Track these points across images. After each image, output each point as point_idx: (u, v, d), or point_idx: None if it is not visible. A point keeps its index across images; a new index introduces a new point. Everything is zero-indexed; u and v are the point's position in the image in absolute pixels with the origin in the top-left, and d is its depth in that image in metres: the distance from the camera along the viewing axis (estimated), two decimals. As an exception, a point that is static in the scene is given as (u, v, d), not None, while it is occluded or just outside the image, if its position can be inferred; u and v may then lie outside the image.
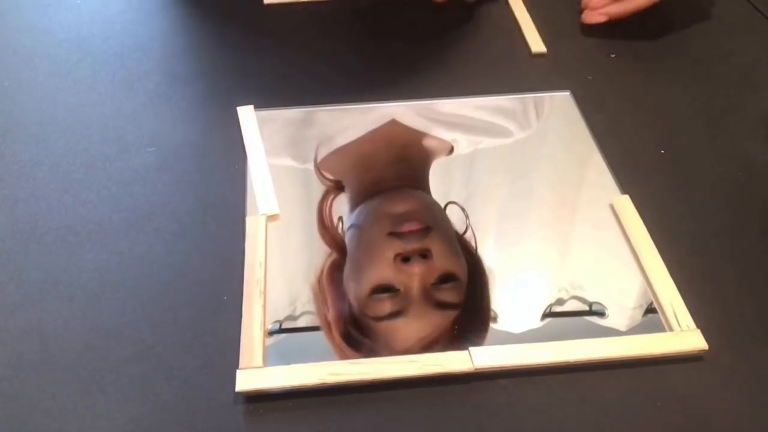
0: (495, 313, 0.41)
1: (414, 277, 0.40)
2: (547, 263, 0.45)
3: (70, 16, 0.62)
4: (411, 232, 0.43)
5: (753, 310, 0.40)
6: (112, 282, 0.41)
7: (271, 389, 0.36)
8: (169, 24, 0.62)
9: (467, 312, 0.40)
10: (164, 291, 0.41)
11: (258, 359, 0.37)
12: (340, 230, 0.45)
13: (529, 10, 0.62)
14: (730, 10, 0.61)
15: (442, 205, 0.46)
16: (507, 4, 0.63)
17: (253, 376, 0.36)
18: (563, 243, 0.46)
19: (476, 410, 0.36)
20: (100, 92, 0.54)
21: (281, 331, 0.40)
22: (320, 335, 0.40)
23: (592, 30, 0.60)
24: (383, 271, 0.41)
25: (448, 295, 0.40)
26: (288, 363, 0.37)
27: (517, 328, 0.41)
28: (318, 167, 0.48)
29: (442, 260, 0.41)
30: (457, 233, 0.44)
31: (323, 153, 0.50)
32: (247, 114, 0.52)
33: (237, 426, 0.35)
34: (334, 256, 0.43)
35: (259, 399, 0.36)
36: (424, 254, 0.41)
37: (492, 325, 0.41)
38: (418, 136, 0.51)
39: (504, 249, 0.46)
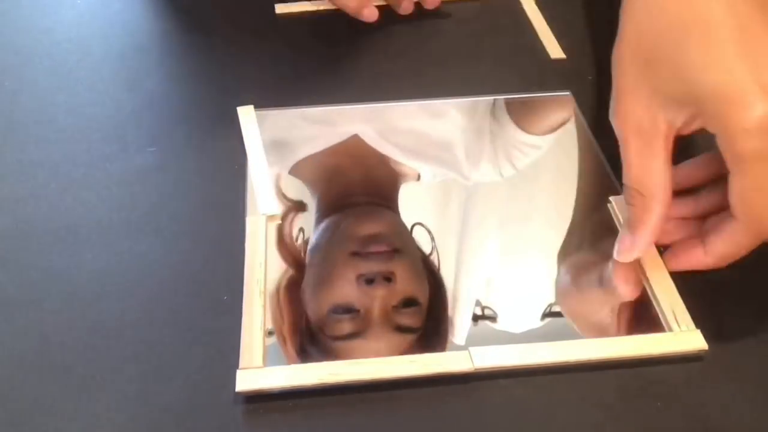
0: (495, 312, 0.41)
1: (376, 299, 0.40)
2: (547, 263, 0.45)
3: (70, 16, 0.62)
4: (376, 254, 0.42)
5: (753, 311, 0.40)
6: (112, 282, 0.41)
7: (271, 389, 0.36)
8: (169, 24, 0.62)
9: (426, 336, 0.40)
10: (164, 291, 0.41)
11: (258, 359, 0.37)
12: (299, 242, 0.44)
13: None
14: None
15: (409, 226, 0.45)
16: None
17: (253, 376, 0.36)
18: (563, 243, 0.46)
19: (476, 410, 0.36)
20: (100, 92, 0.54)
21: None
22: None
23: (592, 31, 0.60)
24: (344, 290, 0.41)
25: (408, 319, 0.40)
26: (288, 363, 0.37)
27: (517, 328, 0.41)
28: (281, 188, 0.47)
29: (406, 284, 0.41)
30: (422, 255, 0.44)
31: (292, 160, 0.49)
32: (247, 114, 0.52)
33: (237, 426, 0.35)
34: (291, 272, 0.43)
35: (259, 399, 0.36)
36: (388, 277, 0.41)
37: (492, 325, 0.41)
38: (385, 158, 0.50)
39: (504, 249, 0.46)
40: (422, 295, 0.41)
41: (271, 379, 0.36)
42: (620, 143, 0.39)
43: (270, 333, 0.39)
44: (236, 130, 0.50)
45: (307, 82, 0.55)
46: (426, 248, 0.44)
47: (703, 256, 0.38)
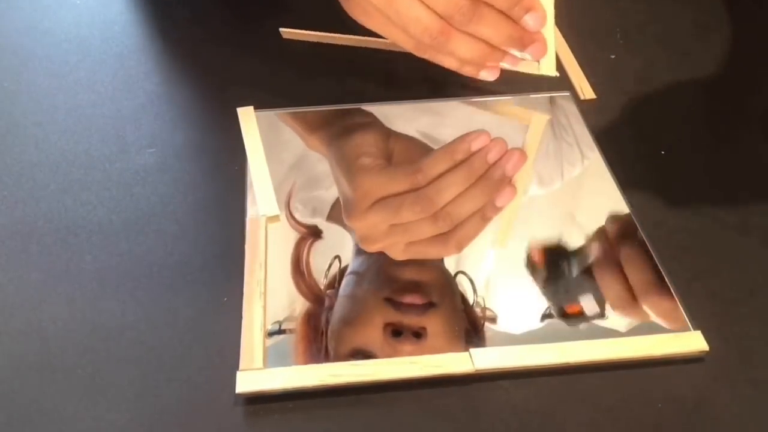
0: (495, 314, 0.41)
1: (400, 354, 0.37)
2: (547, 263, 0.45)
3: (70, 17, 0.62)
4: (410, 306, 0.39)
5: (754, 312, 0.40)
6: (112, 283, 0.41)
7: (271, 391, 0.36)
8: (168, 25, 0.62)
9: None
10: (164, 292, 0.41)
11: (258, 360, 0.37)
12: (333, 271, 0.41)
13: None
14: (732, 8, 0.61)
15: (453, 273, 0.42)
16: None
17: (254, 377, 0.36)
18: (563, 243, 0.46)
19: (477, 411, 0.36)
20: (99, 93, 0.54)
21: (281, 332, 0.40)
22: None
23: (591, 31, 0.60)
24: (369, 337, 0.38)
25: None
26: (288, 364, 0.37)
27: (517, 330, 0.41)
28: (291, 212, 0.44)
29: (437, 342, 0.38)
30: (465, 305, 0.41)
31: (330, 202, 0.45)
32: (247, 115, 0.52)
33: (237, 427, 0.35)
34: (309, 305, 0.40)
35: (259, 400, 0.36)
36: (418, 333, 0.38)
37: (492, 326, 0.41)
38: None
39: (503, 249, 0.46)
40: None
41: (272, 380, 0.36)
42: None
43: (270, 333, 0.39)
44: (236, 131, 0.50)
45: (307, 82, 0.55)
46: (469, 298, 0.41)
47: None
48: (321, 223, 0.45)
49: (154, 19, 0.63)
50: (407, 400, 0.36)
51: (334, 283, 0.41)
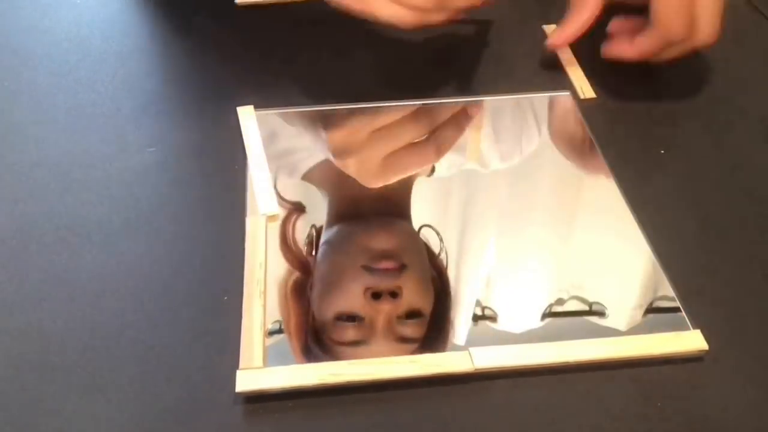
0: (495, 313, 0.41)
1: (380, 312, 0.40)
2: (547, 263, 0.45)
3: (70, 16, 0.62)
4: (385, 270, 0.43)
5: (753, 311, 0.40)
6: (112, 282, 0.41)
7: (271, 390, 0.36)
8: (168, 24, 0.62)
9: (427, 342, 0.40)
10: (164, 291, 0.41)
11: (258, 360, 0.37)
12: (307, 239, 0.45)
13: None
14: (731, 10, 0.60)
15: (417, 228, 0.46)
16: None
17: (253, 376, 0.36)
18: (563, 243, 0.46)
19: (476, 410, 0.36)
20: (100, 92, 0.54)
21: (281, 331, 0.40)
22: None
23: (591, 32, 0.60)
24: (351, 301, 0.41)
25: (411, 330, 0.40)
26: (288, 363, 0.37)
27: (517, 328, 0.41)
28: (278, 190, 0.47)
29: (411, 298, 0.41)
30: (430, 256, 0.44)
31: (307, 165, 0.49)
32: (247, 114, 0.52)
33: (237, 426, 0.35)
34: (297, 274, 0.43)
35: (259, 399, 0.36)
36: (395, 293, 0.41)
37: (492, 326, 0.41)
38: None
39: (503, 249, 0.46)
40: (426, 307, 0.42)
41: (271, 379, 0.36)
42: None
43: (270, 333, 0.39)
44: (236, 131, 0.50)
45: (307, 82, 0.55)
46: (435, 249, 0.45)
47: (628, 47, 0.53)
48: (297, 183, 0.48)
49: (154, 19, 0.63)
50: (407, 399, 0.36)
51: (312, 251, 0.44)
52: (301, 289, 0.42)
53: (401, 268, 0.43)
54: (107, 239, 0.43)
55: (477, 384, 0.37)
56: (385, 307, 0.40)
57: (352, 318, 0.40)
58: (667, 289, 0.41)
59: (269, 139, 0.50)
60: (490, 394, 0.36)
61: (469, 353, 0.37)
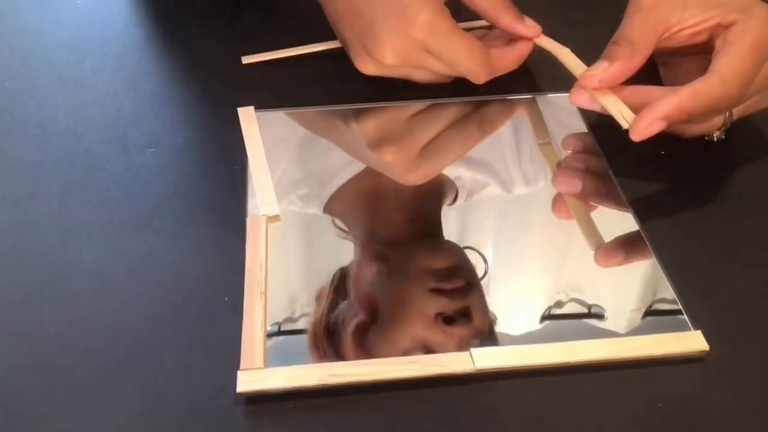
0: (494, 315, 0.41)
1: (455, 338, 0.38)
2: (546, 265, 0.45)
3: (70, 17, 0.62)
4: (454, 290, 0.40)
5: (754, 311, 0.40)
6: (112, 283, 0.41)
7: (272, 390, 0.36)
8: (169, 25, 0.62)
9: None
10: (165, 292, 0.41)
11: (259, 360, 0.37)
12: (329, 288, 0.42)
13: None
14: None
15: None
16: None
17: (254, 377, 0.36)
18: (562, 245, 0.46)
19: (477, 411, 0.36)
20: (100, 93, 0.54)
21: (280, 333, 0.40)
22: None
23: (590, 33, 0.60)
24: (423, 331, 0.38)
25: None
26: (289, 364, 0.37)
27: (516, 331, 0.41)
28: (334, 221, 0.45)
29: (481, 318, 0.40)
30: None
31: (326, 194, 0.47)
32: (247, 115, 0.52)
33: (238, 427, 0.35)
34: (362, 317, 0.40)
35: (260, 400, 0.36)
36: (466, 313, 0.39)
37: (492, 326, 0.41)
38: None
39: (502, 251, 0.46)
40: (491, 328, 0.40)
41: (272, 380, 0.36)
42: (628, 14, 0.46)
43: (269, 335, 0.39)
44: (236, 131, 0.50)
45: (308, 82, 0.55)
46: (479, 272, 0.43)
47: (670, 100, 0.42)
48: (317, 214, 0.46)
49: (154, 19, 0.63)
50: (407, 400, 0.36)
51: (336, 295, 0.41)
52: (364, 336, 0.39)
53: (468, 286, 0.41)
54: (108, 240, 0.43)
55: (477, 384, 0.37)
56: (460, 332, 0.38)
57: (427, 350, 0.38)
58: (666, 292, 0.41)
59: (279, 149, 0.49)
60: (490, 395, 0.36)
61: (470, 353, 0.37)
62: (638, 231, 0.44)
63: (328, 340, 0.39)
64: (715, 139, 0.50)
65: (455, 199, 0.47)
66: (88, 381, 0.37)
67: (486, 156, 0.50)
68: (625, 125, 0.43)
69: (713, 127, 0.49)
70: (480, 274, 0.43)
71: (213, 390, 0.36)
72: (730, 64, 0.42)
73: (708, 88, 0.42)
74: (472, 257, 0.43)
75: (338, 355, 0.38)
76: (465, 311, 0.39)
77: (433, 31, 0.48)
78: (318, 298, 0.41)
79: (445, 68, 0.51)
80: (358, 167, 0.49)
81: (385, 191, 0.48)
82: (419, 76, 0.52)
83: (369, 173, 0.49)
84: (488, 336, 0.39)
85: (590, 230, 0.45)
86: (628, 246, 0.44)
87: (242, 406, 0.36)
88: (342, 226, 0.46)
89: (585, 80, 0.45)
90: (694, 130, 0.49)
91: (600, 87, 0.45)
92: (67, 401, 0.36)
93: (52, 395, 0.36)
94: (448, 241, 0.45)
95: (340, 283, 0.42)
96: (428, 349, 0.38)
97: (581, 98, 0.46)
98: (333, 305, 0.41)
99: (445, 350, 0.38)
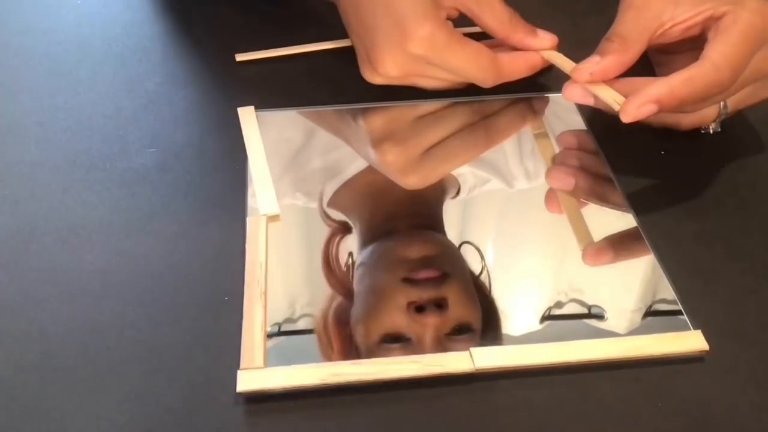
0: (495, 308, 0.41)
1: (427, 327, 0.39)
2: (546, 265, 0.45)
3: (70, 17, 0.62)
4: (427, 279, 0.41)
5: (754, 311, 0.40)
6: (112, 282, 0.41)
7: (272, 390, 0.36)
8: (169, 25, 0.62)
9: None
10: (165, 291, 0.41)
11: (259, 360, 0.37)
12: (345, 266, 0.43)
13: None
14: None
15: (456, 245, 0.44)
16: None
17: (254, 376, 0.36)
18: (562, 245, 0.46)
19: (477, 410, 0.36)
20: (100, 93, 0.54)
21: (280, 333, 0.40)
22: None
23: (590, 33, 0.60)
24: (395, 319, 0.39)
25: (461, 346, 0.38)
26: (289, 364, 0.37)
27: (516, 331, 0.41)
28: (324, 208, 0.46)
29: (458, 310, 0.40)
30: (472, 276, 0.43)
31: (330, 190, 0.47)
32: (247, 115, 0.52)
33: (238, 426, 0.35)
34: (340, 299, 0.41)
35: (260, 399, 0.36)
36: (440, 304, 0.39)
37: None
38: None
39: (502, 251, 0.46)
40: (475, 321, 0.40)
41: (272, 379, 0.36)
42: (621, 11, 0.46)
43: (269, 335, 0.39)
44: (236, 131, 0.50)
45: (309, 82, 0.55)
46: (476, 268, 0.43)
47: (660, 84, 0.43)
48: (318, 214, 0.46)
49: (154, 19, 0.63)
50: (407, 399, 0.36)
51: (351, 277, 0.43)
52: (344, 314, 0.40)
53: (443, 276, 0.41)
54: (108, 239, 0.43)
55: (478, 384, 0.37)
56: (431, 321, 0.39)
57: (397, 339, 0.38)
58: (666, 292, 0.41)
59: (279, 149, 0.49)
60: (490, 395, 0.36)
61: (470, 353, 0.37)
62: (633, 228, 0.44)
63: (326, 330, 0.40)
64: (711, 131, 0.50)
65: (457, 193, 0.48)
66: (88, 381, 0.37)
67: (488, 152, 0.50)
68: (616, 107, 0.44)
69: (708, 118, 0.48)
70: (477, 270, 0.43)
71: (213, 390, 0.36)
72: (722, 50, 0.43)
73: (700, 73, 0.42)
74: (470, 253, 0.44)
75: (330, 345, 0.39)
76: (439, 301, 0.40)
77: (432, 44, 0.48)
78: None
79: (451, 76, 0.51)
80: (359, 165, 0.49)
81: (387, 187, 0.48)
82: (427, 84, 0.52)
83: (371, 170, 0.49)
84: (483, 330, 0.40)
85: (580, 228, 0.45)
86: (617, 244, 0.44)
87: (242, 405, 0.36)
88: (336, 218, 0.46)
89: (577, 73, 0.46)
90: (689, 120, 0.48)
91: (591, 80, 0.45)
92: (67, 401, 0.36)
93: (51, 395, 0.36)
94: (431, 233, 0.46)
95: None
96: (404, 338, 0.39)
97: (574, 92, 0.46)
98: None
99: (420, 340, 0.38)
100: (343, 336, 0.39)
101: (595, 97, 0.46)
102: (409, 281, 0.41)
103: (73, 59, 0.57)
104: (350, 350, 0.39)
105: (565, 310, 0.42)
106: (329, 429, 0.35)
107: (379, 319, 0.40)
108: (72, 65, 0.57)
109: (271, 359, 0.37)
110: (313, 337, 0.40)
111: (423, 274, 0.41)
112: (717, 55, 0.43)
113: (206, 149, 0.50)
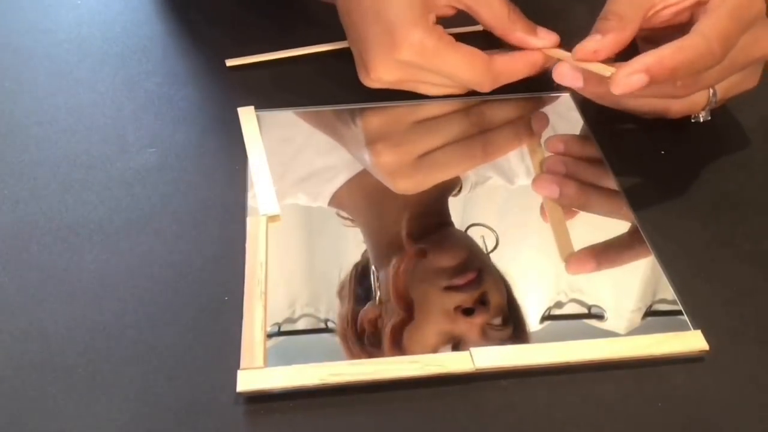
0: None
1: (475, 326, 0.40)
2: (546, 265, 0.45)
3: (70, 17, 0.62)
4: (469, 283, 0.42)
5: (754, 311, 0.40)
6: (112, 282, 0.41)
7: (272, 390, 0.36)
8: (169, 25, 0.62)
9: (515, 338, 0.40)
10: (165, 291, 0.41)
11: (259, 360, 0.37)
12: (349, 284, 0.43)
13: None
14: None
15: (463, 229, 0.45)
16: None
17: (254, 376, 0.36)
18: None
19: (477, 411, 0.36)
20: (100, 93, 0.54)
21: (280, 333, 0.40)
22: (321, 337, 0.40)
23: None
24: (446, 326, 0.40)
25: (502, 334, 0.40)
26: (289, 364, 0.37)
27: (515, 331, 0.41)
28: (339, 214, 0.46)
29: (496, 297, 0.41)
30: (491, 259, 0.44)
31: (332, 188, 0.47)
32: (247, 114, 0.52)
33: (238, 426, 0.35)
34: (402, 315, 0.40)
35: (260, 399, 0.36)
36: (484, 301, 0.41)
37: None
38: None
39: (502, 251, 0.46)
40: (505, 302, 0.41)
41: (272, 379, 0.36)
42: None
43: (269, 335, 0.39)
44: (236, 131, 0.50)
45: (309, 82, 0.55)
46: (488, 244, 0.44)
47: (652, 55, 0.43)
48: (318, 213, 0.46)
49: (154, 19, 0.63)
50: (408, 399, 0.36)
51: (353, 292, 0.42)
52: (400, 333, 0.40)
53: (480, 274, 0.42)
54: (108, 239, 0.43)
55: (477, 384, 0.37)
56: (480, 320, 0.40)
57: (456, 344, 0.39)
58: (666, 292, 0.41)
59: (279, 149, 0.49)
60: (490, 395, 0.36)
61: (470, 353, 0.37)
62: (633, 228, 0.44)
63: (356, 338, 0.40)
64: (702, 119, 0.50)
65: (459, 191, 0.48)
66: (88, 381, 0.37)
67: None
68: (607, 74, 0.44)
69: (697, 106, 0.48)
70: (490, 247, 0.44)
71: (213, 390, 0.36)
72: (711, 24, 0.43)
73: (690, 43, 0.43)
74: (478, 233, 0.45)
75: (368, 353, 0.39)
76: (482, 299, 0.41)
77: (422, 51, 0.48)
78: (340, 295, 0.42)
79: (448, 82, 0.51)
80: (359, 166, 0.49)
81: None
82: (426, 90, 0.52)
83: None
84: (507, 312, 0.41)
85: (563, 238, 0.45)
86: (607, 249, 0.44)
87: (242, 405, 0.36)
88: (348, 216, 0.46)
89: (580, 53, 0.46)
90: (679, 107, 0.48)
91: (594, 59, 0.45)
92: (67, 401, 0.36)
93: (52, 395, 0.36)
94: (454, 232, 0.46)
95: (362, 277, 0.42)
96: (456, 340, 0.39)
97: (563, 71, 0.47)
98: (357, 302, 0.41)
99: (470, 338, 0.39)
100: (397, 352, 0.39)
101: (585, 79, 0.46)
102: (453, 289, 0.42)
103: (73, 59, 0.57)
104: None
105: (565, 310, 0.42)
106: (329, 429, 0.35)
107: (432, 329, 0.40)
108: (72, 65, 0.57)
109: (271, 359, 0.37)
110: (314, 338, 0.40)
111: (463, 280, 0.42)
112: (707, 29, 0.43)
113: (206, 149, 0.50)
